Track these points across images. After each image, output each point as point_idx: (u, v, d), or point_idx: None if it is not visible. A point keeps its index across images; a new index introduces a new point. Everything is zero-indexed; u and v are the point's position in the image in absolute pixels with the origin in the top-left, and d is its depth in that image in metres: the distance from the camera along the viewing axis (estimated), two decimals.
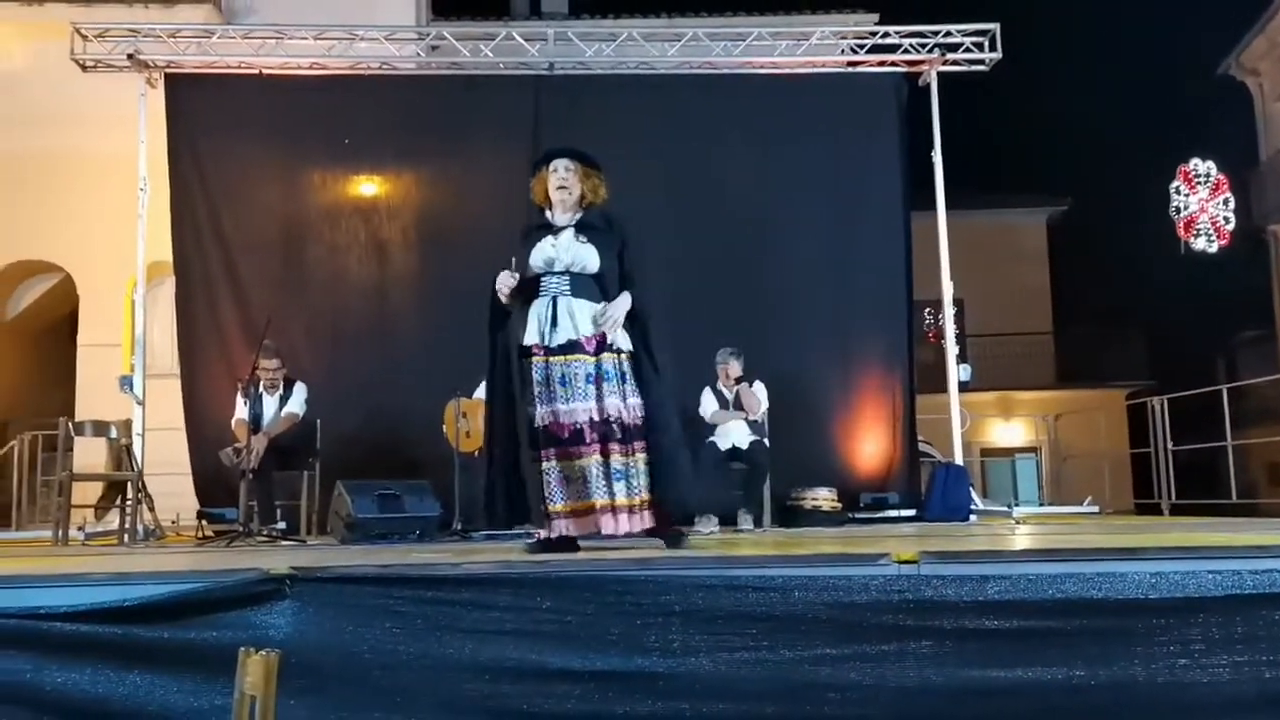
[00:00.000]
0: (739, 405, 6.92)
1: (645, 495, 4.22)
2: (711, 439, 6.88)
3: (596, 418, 4.19)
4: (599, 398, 4.21)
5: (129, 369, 7.87)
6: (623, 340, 4.31)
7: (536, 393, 4.26)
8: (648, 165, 7.94)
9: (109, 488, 7.88)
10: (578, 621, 3.11)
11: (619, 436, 4.19)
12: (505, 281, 4.31)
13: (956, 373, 8.12)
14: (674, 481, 4.28)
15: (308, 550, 5.52)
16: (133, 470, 6.76)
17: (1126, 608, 3.14)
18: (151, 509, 6.68)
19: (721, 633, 3.10)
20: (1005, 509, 7.67)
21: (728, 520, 6.68)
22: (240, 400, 6.61)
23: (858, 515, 7.56)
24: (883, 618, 3.12)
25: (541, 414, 4.24)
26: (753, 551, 4.28)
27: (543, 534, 4.27)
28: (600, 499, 4.17)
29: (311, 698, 2.91)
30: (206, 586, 3.07)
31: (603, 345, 4.27)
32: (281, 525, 6.49)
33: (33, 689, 2.93)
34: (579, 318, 4.26)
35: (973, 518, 7.51)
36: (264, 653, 2.28)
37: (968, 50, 8.34)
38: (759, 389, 6.99)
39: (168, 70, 8.07)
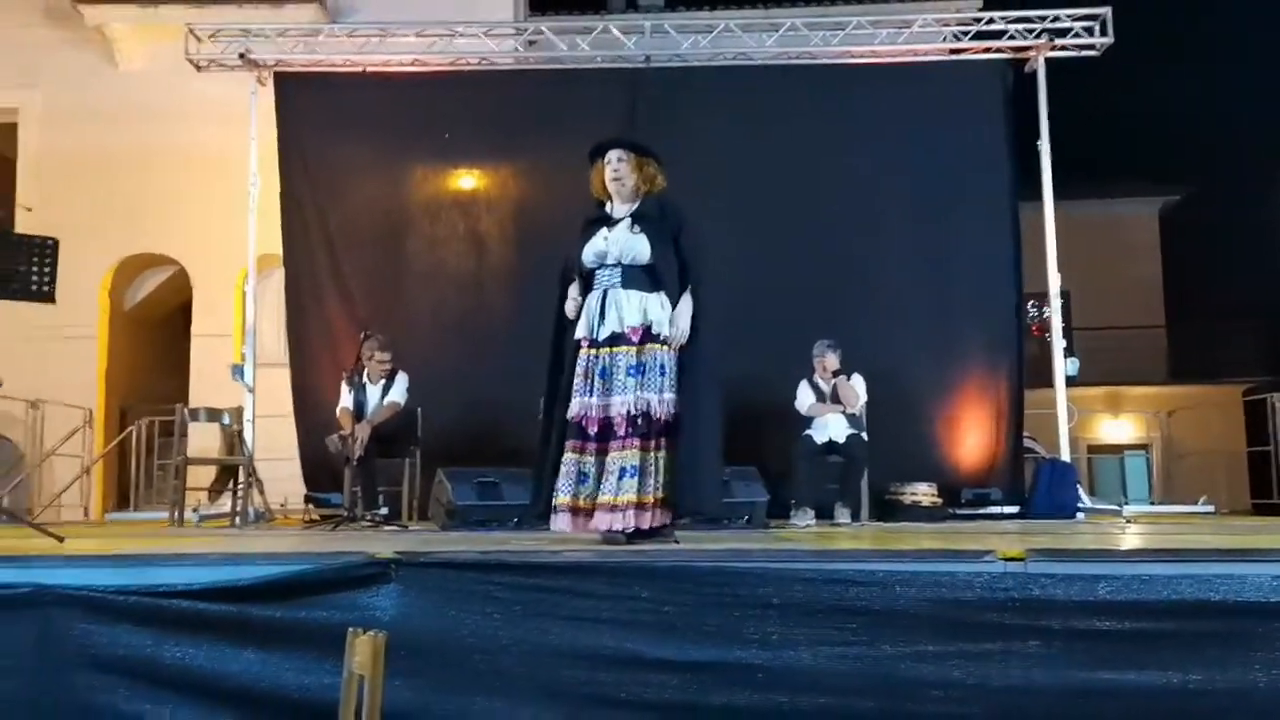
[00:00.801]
0: (836, 398, 6.85)
1: (661, 493, 4.14)
2: (808, 432, 6.83)
3: (633, 410, 4.13)
4: (638, 389, 4.15)
5: (240, 358, 8.14)
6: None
7: (575, 385, 4.24)
8: (744, 157, 7.92)
9: (222, 471, 8.18)
10: (675, 611, 3.11)
11: (645, 431, 4.13)
12: (573, 308, 4.34)
13: (1064, 367, 7.89)
14: (695, 481, 4.18)
15: (410, 535, 5.63)
16: (244, 455, 7.00)
17: (1246, 610, 3.01)
18: (261, 493, 6.91)
19: (821, 626, 3.07)
20: (1115, 508, 7.43)
21: (824, 514, 6.62)
22: (345, 389, 6.78)
23: (959, 511, 7.42)
24: (987, 616, 3.05)
25: (574, 406, 4.22)
26: (852, 545, 4.23)
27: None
28: (612, 495, 4.08)
29: (415, 679, 2.97)
30: (316, 568, 3.15)
31: (647, 336, 4.22)
32: (384, 511, 6.64)
33: (153, 664, 3.05)
34: (626, 309, 4.22)
35: (1080, 516, 7.30)
36: (372, 634, 2.34)
37: (1077, 35, 8.07)
38: (857, 382, 6.90)
39: (276, 69, 8.31)
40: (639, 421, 4.12)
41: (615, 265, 4.27)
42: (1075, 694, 2.99)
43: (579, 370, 4.25)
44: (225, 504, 7.42)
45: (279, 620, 3.06)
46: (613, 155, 4.39)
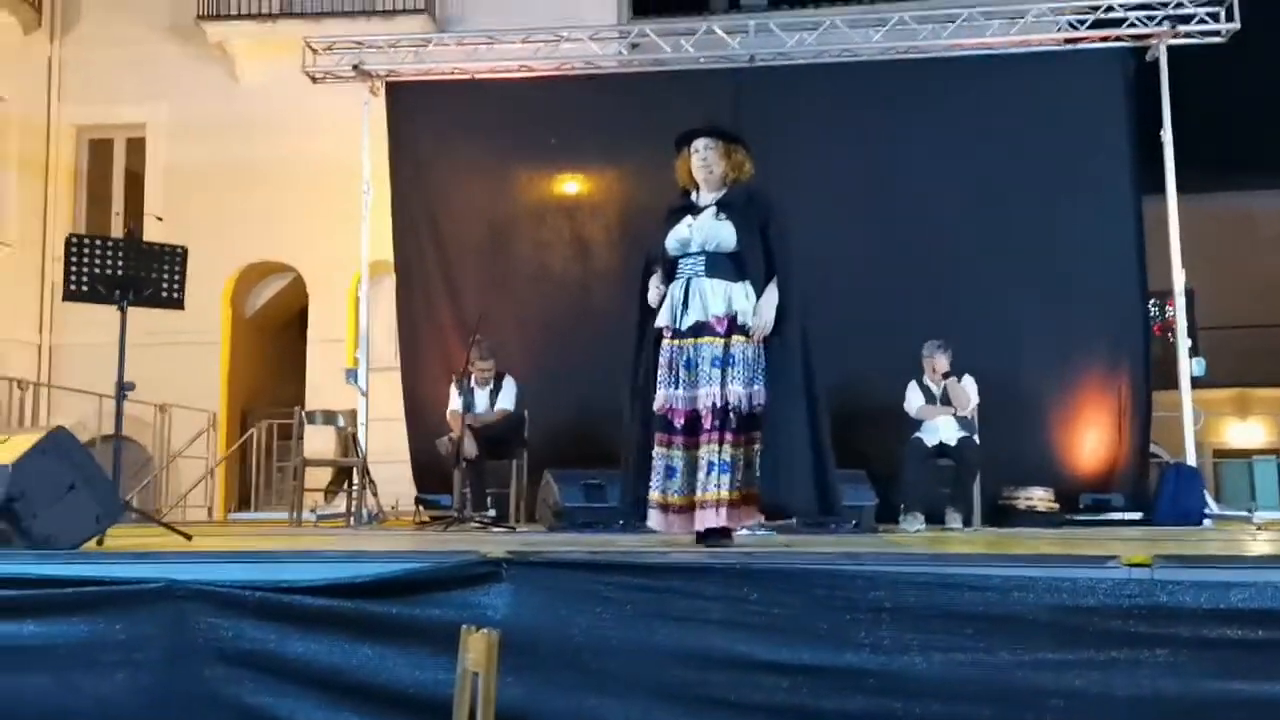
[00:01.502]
0: (946, 400, 6.71)
1: (752, 489, 4.04)
2: (917, 434, 6.69)
3: (719, 403, 4.02)
4: (723, 383, 4.04)
5: (353, 362, 8.36)
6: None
7: (659, 376, 4.16)
8: (852, 155, 7.83)
9: (337, 473, 8.42)
10: (785, 614, 3.07)
11: (734, 426, 4.02)
12: (655, 296, 4.27)
13: (1189, 367, 7.57)
14: (779, 480, 4.02)
15: (519, 536, 5.71)
16: (358, 457, 7.19)
17: None
18: (375, 494, 7.09)
19: (935, 631, 2.99)
20: (1244, 514, 7.09)
21: (934, 518, 6.48)
22: (454, 392, 6.91)
23: (1076, 518, 7.18)
24: (1111, 623, 2.93)
25: (659, 398, 4.14)
26: (966, 549, 4.13)
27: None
28: (703, 493, 4.00)
29: (527, 676, 3.00)
30: (431, 567, 3.20)
31: (733, 327, 4.10)
32: (492, 512, 6.75)
33: (276, 657, 3.14)
34: (710, 298, 4.10)
35: (1207, 523, 7.00)
36: (485, 631, 2.37)
37: (1201, 21, 7.75)
38: (969, 383, 6.74)
39: (388, 79, 8.52)
40: (729, 416, 4.03)
41: (699, 253, 4.15)
42: (1205, 705, 2.87)
43: (661, 361, 4.17)
44: (340, 504, 7.63)
45: (395, 617, 3.12)
46: (700, 143, 4.28)
